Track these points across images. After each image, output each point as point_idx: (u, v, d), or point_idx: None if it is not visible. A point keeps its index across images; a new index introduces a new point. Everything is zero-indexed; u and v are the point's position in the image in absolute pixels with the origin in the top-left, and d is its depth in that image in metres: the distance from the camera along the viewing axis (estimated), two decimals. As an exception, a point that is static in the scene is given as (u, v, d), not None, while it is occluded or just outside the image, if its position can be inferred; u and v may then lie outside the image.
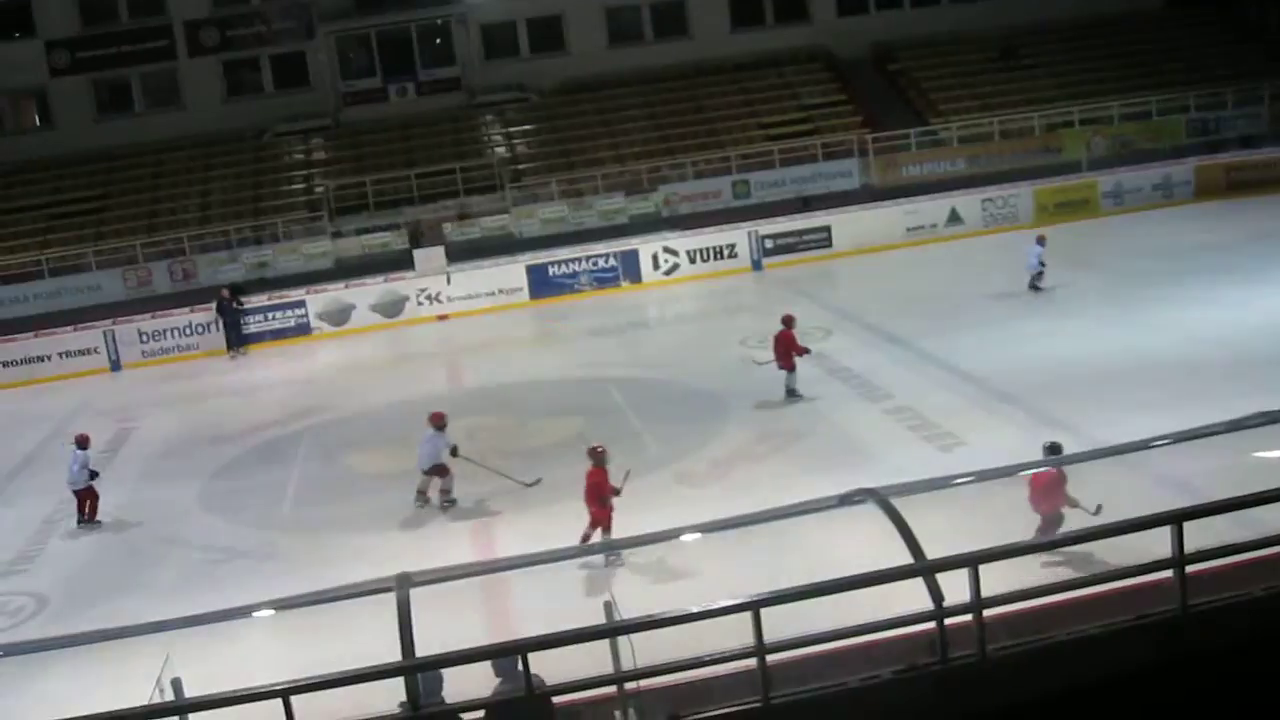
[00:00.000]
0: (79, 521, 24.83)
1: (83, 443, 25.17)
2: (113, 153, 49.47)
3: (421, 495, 23.59)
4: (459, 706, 10.33)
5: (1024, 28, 52.66)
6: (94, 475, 25.09)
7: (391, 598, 10.30)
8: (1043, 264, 34.07)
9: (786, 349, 27.15)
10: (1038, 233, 36.13)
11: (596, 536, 19.59)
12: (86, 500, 24.92)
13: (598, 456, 20.13)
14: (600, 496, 19.78)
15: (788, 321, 27.43)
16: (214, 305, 39.75)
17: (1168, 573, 10.62)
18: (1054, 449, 17.02)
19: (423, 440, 23.59)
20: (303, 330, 40.69)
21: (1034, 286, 34.08)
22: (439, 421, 23.67)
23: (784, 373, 27.24)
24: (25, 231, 46.18)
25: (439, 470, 23.45)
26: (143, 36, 50.51)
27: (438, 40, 52.68)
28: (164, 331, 40.15)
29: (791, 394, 27.25)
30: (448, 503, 23.45)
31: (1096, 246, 39.87)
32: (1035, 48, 52.29)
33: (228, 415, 32.57)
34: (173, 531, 23.99)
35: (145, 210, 46.92)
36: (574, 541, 18.99)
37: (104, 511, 25.16)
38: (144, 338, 39.96)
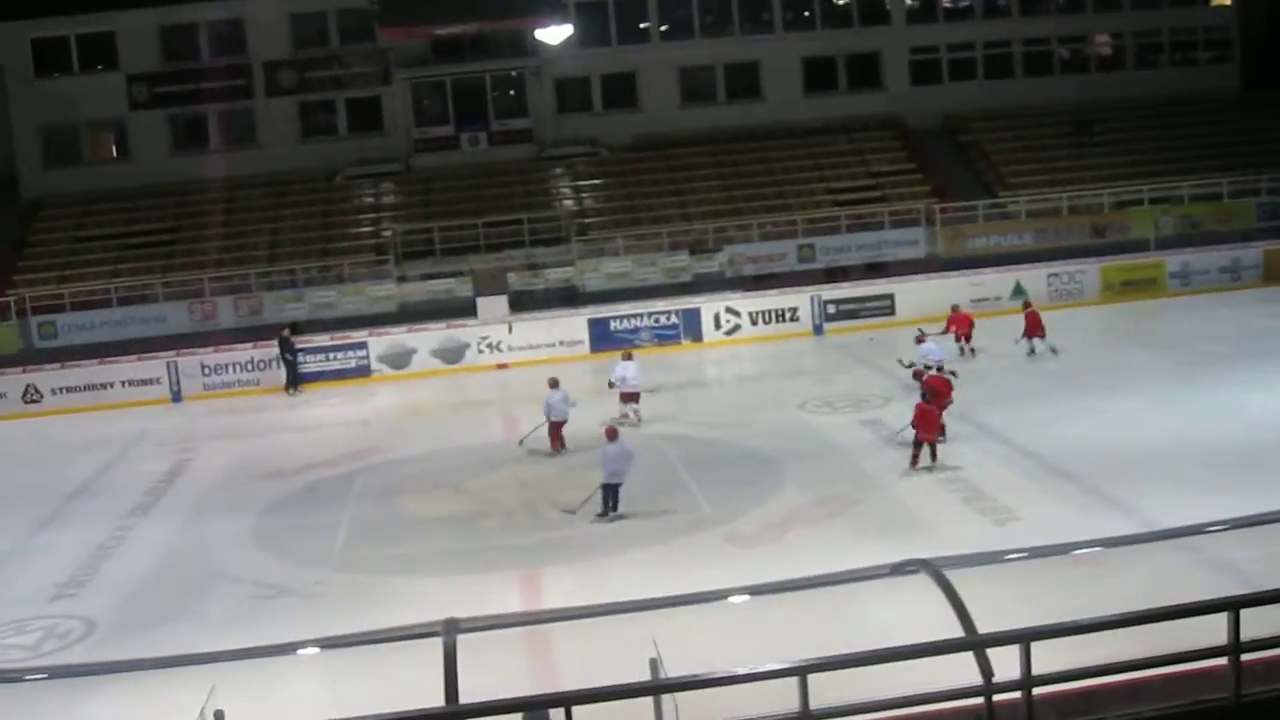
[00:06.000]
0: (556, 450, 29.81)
1: (555, 384, 30.24)
2: (186, 187, 50.01)
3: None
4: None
5: (1097, 103, 52.59)
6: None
7: (438, 642, 10.26)
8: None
9: (1036, 321, 36.16)
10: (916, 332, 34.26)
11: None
12: (559, 431, 29.71)
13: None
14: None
15: (1027, 304, 37.61)
16: (277, 343, 40.07)
17: (1222, 660, 10.47)
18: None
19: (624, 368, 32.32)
20: (363, 372, 40.96)
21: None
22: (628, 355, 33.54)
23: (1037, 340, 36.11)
24: (97, 260, 46.75)
25: (634, 397, 31.95)
26: (222, 75, 51.14)
27: (511, 91, 53.14)
28: (226, 366, 40.55)
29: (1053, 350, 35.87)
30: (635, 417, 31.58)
31: (1161, 326, 39.71)
32: (1108, 124, 52.14)
33: (285, 452, 32.73)
34: (223, 565, 24.11)
35: (215, 245, 47.33)
36: (622, 596, 18.94)
37: (156, 543, 25.56)
38: (206, 371, 40.39)
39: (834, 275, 45.20)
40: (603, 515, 24.46)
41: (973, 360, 36.11)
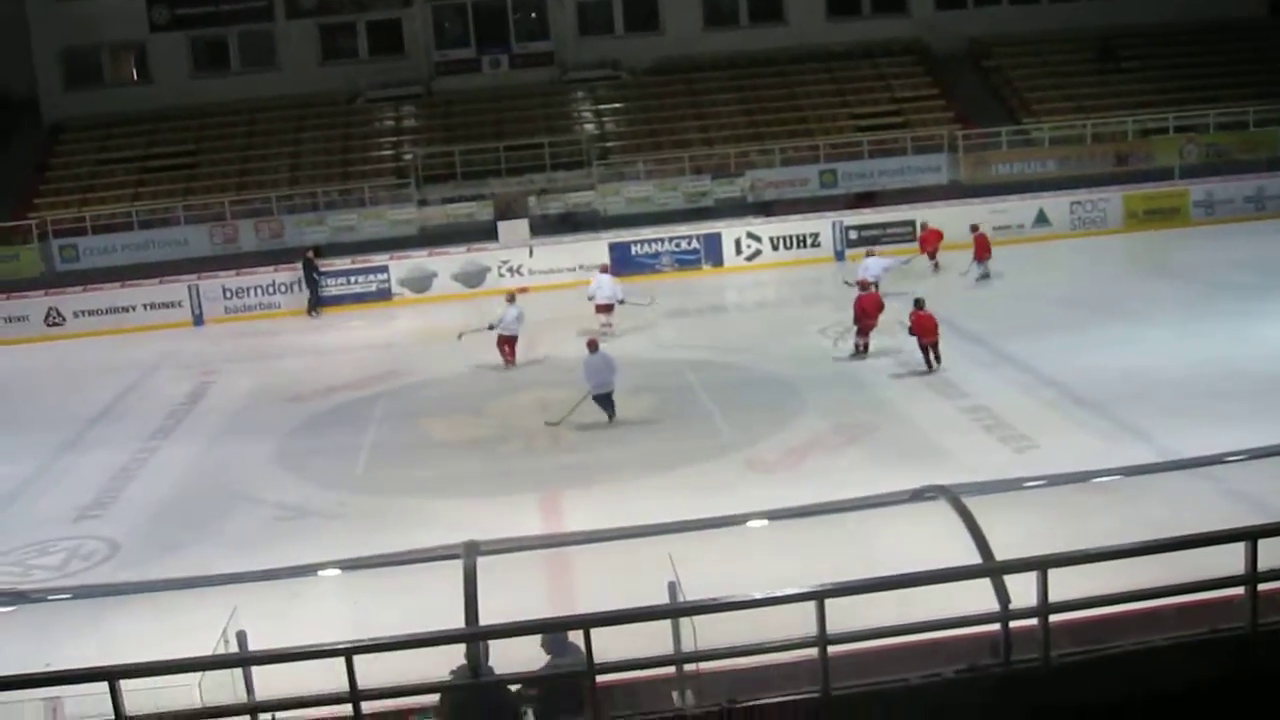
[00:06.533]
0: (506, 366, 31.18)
1: (512, 298, 31.62)
2: (207, 110, 49.91)
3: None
4: (513, 677, 10.38)
5: (1123, 29, 51.97)
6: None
7: (458, 564, 10.34)
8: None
9: (985, 244, 37.61)
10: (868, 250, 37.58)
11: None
12: (508, 346, 31.05)
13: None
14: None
15: (975, 227, 38.42)
16: (301, 264, 40.19)
17: (1239, 589, 10.50)
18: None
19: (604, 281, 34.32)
20: (384, 295, 41.08)
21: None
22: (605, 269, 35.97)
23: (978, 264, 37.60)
24: (118, 183, 46.69)
25: (607, 309, 33.74)
26: (242, -4, 51.00)
27: (533, 14, 52.75)
28: (247, 289, 40.71)
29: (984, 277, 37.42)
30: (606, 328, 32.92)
31: (1185, 257, 39.44)
32: (1133, 50, 51.60)
33: (306, 375, 32.82)
34: (245, 486, 24.23)
35: (235, 169, 47.34)
36: (641, 520, 19.04)
37: (179, 465, 25.75)
38: (227, 294, 40.57)
39: (860, 201, 45.04)
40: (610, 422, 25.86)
41: (939, 275, 38.48)
